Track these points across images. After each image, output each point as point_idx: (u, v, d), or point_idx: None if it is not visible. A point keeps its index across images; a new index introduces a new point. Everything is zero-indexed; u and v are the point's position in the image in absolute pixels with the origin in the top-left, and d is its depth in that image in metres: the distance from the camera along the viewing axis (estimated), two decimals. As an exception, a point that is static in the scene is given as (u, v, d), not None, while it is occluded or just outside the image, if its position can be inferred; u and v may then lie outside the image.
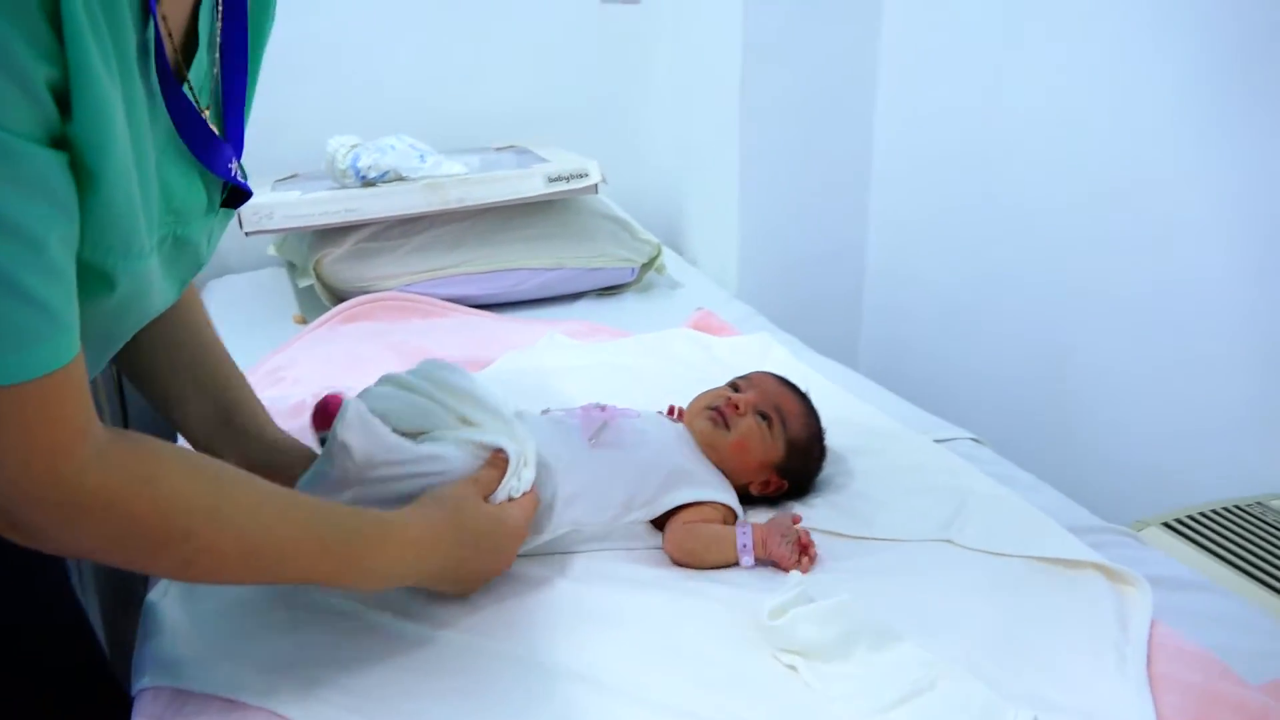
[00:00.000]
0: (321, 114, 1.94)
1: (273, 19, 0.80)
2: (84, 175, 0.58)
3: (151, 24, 0.63)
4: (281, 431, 0.99)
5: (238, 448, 0.94)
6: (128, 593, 1.70)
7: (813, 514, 1.06)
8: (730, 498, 1.03)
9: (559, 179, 1.76)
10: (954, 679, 0.79)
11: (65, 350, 0.58)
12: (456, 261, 1.75)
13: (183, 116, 0.68)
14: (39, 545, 0.65)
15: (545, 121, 2.14)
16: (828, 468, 1.13)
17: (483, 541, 0.87)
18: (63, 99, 0.55)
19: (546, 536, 0.96)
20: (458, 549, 0.84)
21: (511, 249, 1.78)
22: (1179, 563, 1.05)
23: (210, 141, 0.72)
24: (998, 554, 0.98)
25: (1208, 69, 1.34)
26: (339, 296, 1.71)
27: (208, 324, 0.98)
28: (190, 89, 0.69)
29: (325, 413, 0.91)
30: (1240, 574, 1.15)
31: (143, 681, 0.84)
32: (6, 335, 0.55)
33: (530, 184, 1.75)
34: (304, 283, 1.73)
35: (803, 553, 0.96)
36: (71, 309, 0.59)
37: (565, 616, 0.89)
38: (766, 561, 0.97)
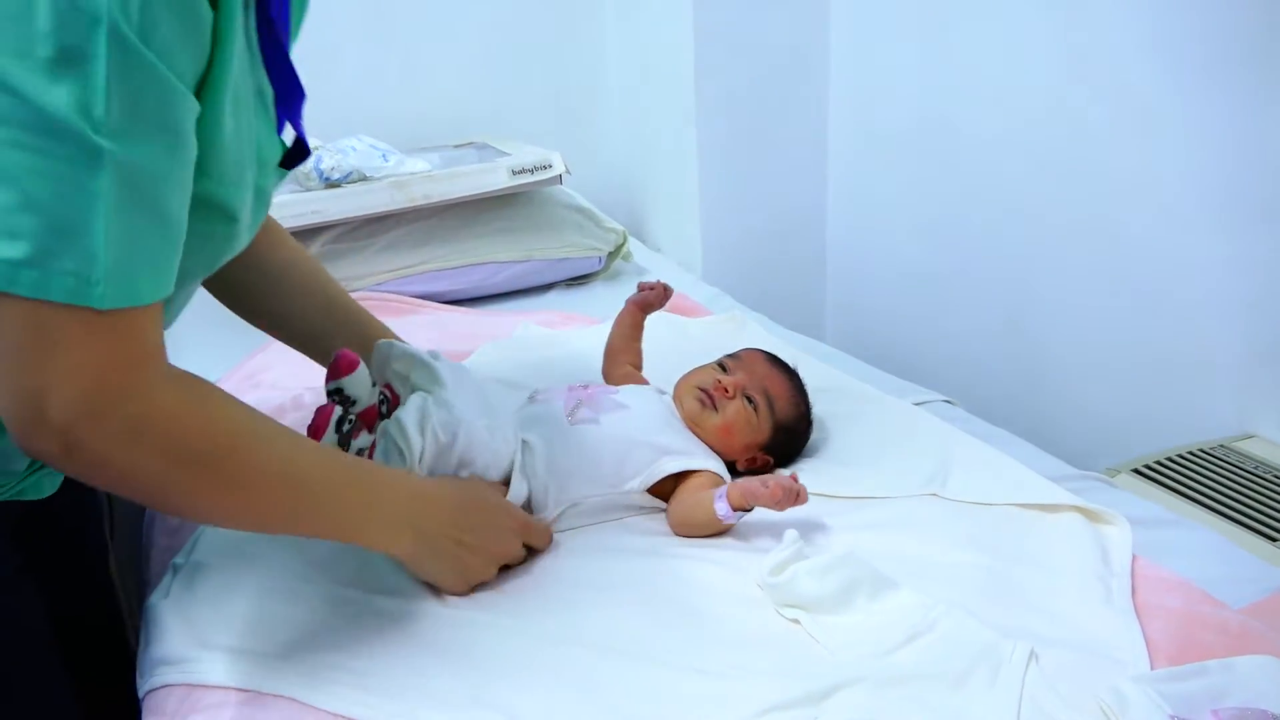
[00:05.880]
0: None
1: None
2: (206, 112, 0.64)
3: None
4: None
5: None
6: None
7: (800, 478, 1.07)
8: (716, 465, 1.04)
9: (523, 171, 1.77)
10: (952, 621, 0.81)
11: (173, 277, 0.65)
12: (425, 258, 1.75)
13: (280, 68, 0.75)
14: (90, 470, 0.67)
15: (499, 118, 2.14)
16: (811, 434, 1.15)
17: (485, 519, 0.88)
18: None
19: (551, 514, 0.98)
20: (460, 515, 0.86)
21: (479, 243, 1.78)
22: (1152, 503, 1.09)
23: (297, 93, 0.78)
24: (982, 504, 1.01)
25: (1159, 33, 1.38)
26: (308, 300, 1.70)
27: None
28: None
29: (337, 367, 0.93)
30: (1209, 512, 1.19)
31: (151, 682, 0.84)
32: (152, 256, 0.62)
33: (495, 177, 1.75)
34: (272, 288, 1.72)
35: (791, 496, 0.92)
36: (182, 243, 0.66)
37: (567, 588, 0.90)
38: (749, 509, 0.95)
